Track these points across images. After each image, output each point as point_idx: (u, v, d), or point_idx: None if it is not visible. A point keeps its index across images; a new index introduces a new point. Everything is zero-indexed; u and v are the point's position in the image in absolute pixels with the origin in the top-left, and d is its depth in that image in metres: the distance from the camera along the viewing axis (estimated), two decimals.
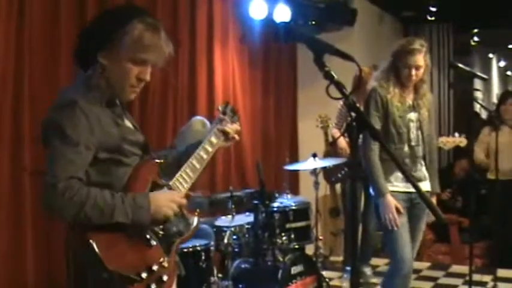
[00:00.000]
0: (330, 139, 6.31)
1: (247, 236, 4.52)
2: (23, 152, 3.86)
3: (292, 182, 6.88)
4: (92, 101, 2.23)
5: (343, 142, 5.97)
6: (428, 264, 6.79)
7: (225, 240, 4.32)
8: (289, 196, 5.21)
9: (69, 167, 2.12)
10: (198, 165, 2.56)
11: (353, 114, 1.95)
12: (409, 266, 3.83)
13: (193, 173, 2.53)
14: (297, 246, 4.78)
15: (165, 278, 2.24)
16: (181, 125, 4.76)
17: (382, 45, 7.71)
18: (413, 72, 3.81)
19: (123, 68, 2.28)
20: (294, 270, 4.31)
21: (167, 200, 2.30)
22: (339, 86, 1.96)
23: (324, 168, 6.32)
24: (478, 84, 10.28)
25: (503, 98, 6.51)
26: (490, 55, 14.55)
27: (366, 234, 6.00)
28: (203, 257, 3.88)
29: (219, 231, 4.42)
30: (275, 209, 4.69)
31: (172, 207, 2.31)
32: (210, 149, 2.64)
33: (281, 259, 4.29)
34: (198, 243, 3.86)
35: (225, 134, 2.73)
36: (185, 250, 3.73)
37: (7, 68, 3.78)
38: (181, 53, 5.36)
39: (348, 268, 5.58)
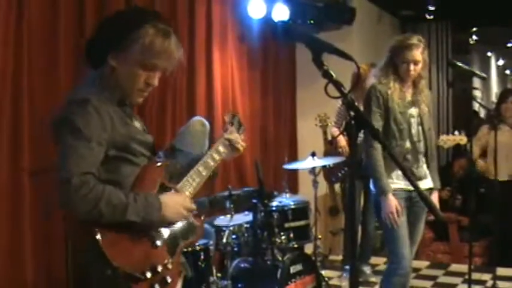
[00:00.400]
0: (329, 138, 6.32)
1: (246, 235, 4.53)
2: (21, 151, 3.85)
3: (291, 181, 6.87)
4: (103, 100, 2.24)
5: (342, 141, 5.98)
6: (427, 263, 6.79)
7: (224, 240, 4.32)
8: (288, 195, 5.21)
9: (82, 162, 2.12)
10: (204, 172, 2.59)
11: (352, 113, 1.95)
12: (408, 264, 3.83)
13: (199, 179, 2.56)
14: (296, 246, 4.78)
15: (169, 279, 2.25)
16: (180, 126, 4.75)
17: (381, 44, 7.67)
18: (412, 67, 3.80)
19: (132, 72, 2.29)
20: (293, 269, 4.31)
21: (178, 204, 2.33)
22: (338, 85, 1.96)
23: (324, 168, 6.33)
24: (476, 83, 10.30)
25: (503, 96, 6.49)
26: (489, 54, 14.56)
27: (365, 233, 6.00)
28: (202, 257, 3.88)
29: (218, 230, 4.42)
30: (274, 208, 4.69)
31: (183, 212, 2.34)
32: (217, 157, 2.67)
33: (280, 258, 4.29)
34: (197, 242, 3.86)
35: (231, 144, 2.75)
36: (184, 249, 3.72)
37: (6, 66, 3.77)
38: None
39: (347, 267, 5.58)
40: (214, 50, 5.87)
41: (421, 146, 3.91)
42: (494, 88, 14.94)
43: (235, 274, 4.29)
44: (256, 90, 6.71)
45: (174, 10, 5.30)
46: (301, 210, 4.87)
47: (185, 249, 3.65)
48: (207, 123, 4.18)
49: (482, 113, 10.48)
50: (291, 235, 4.69)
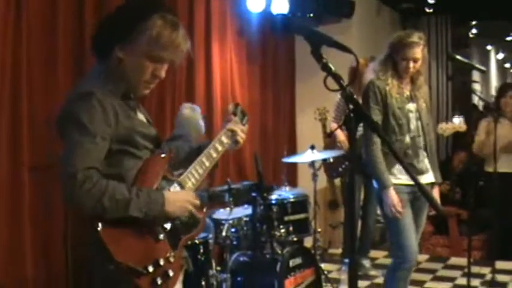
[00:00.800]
0: (329, 132, 6.32)
1: (245, 228, 4.53)
2: (21, 146, 3.85)
3: (290, 175, 6.87)
4: (107, 93, 2.23)
5: (341, 135, 5.97)
6: (427, 256, 6.80)
7: (224, 233, 4.32)
8: (287, 188, 5.22)
9: (87, 157, 2.11)
10: (207, 163, 2.57)
11: (351, 106, 1.94)
12: (414, 257, 3.81)
13: (203, 170, 2.54)
14: (295, 239, 4.78)
15: (171, 273, 2.23)
16: None
17: (380, 37, 7.69)
18: (411, 64, 3.80)
19: (139, 63, 2.28)
20: (293, 262, 4.31)
21: (182, 199, 2.32)
22: (337, 78, 1.96)
23: (324, 163, 6.33)
24: (476, 76, 10.31)
25: (502, 90, 6.47)
26: (488, 47, 14.56)
27: (364, 227, 6.01)
28: (202, 250, 3.88)
29: (218, 224, 4.42)
30: (273, 201, 4.70)
31: (187, 207, 2.32)
32: (220, 148, 2.64)
33: (279, 252, 4.29)
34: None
35: (233, 134, 2.73)
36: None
37: (5, 62, 3.76)
38: None
39: (347, 260, 5.58)
40: (214, 43, 5.86)
41: (421, 141, 3.90)
42: (494, 82, 14.95)
43: (235, 267, 4.29)
44: (256, 83, 6.70)
45: (174, 3, 5.28)
46: (300, 204, 4.87)
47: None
48: (195, 106, 4.19)
49: (481, 107, 10.48)
50: (291, 228, 4.70)
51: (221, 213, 4.61)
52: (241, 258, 4.38)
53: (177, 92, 5.34)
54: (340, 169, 6.26)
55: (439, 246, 7.13)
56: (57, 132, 2.25)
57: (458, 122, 5.01)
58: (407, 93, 3.90)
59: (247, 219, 4.54)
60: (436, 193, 4.00)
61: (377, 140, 3.76)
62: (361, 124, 1.98)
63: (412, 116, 3.88)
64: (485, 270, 5.82)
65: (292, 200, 4.82)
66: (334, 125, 6.09)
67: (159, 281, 2.18)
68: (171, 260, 2.26)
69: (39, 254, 3.99)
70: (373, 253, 6.34)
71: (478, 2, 8.69)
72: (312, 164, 5.23)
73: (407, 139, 3.85)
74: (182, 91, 5.43)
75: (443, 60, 9.75)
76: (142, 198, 2.16)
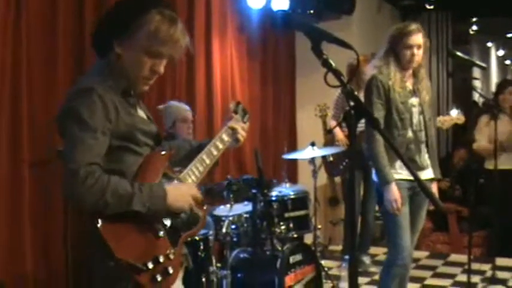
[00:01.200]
0: (329, 128, 6.32)
1: (245, 225, 4.52)
2: (21, 143, 3.85)
3: (291, 171, 6.87)
4: (107, 89, 2.22)
5: (340, 134, 5.97)
6: (427, 253, 6.80)
7: (224, 230, 4.32)
8: (287, 185, 5.21)
9: (88, 152, 2.10)
10: (208, 161, 2.56)
11: (351, 102, 1.94)
12: (407, 256, 3.82)
13: (203, 168, 2.54)
14: (295, 236, 4.78)
15: (170, 270, 2.22)
16: None
17: (381, 34, 7.64)
18: (415, 51, 3.78)
19: (138, 59, 2.27)
20: (293, 259, 4.31)
21: (184, 192, 2.31)
22: (337, 74, 1.95)
23: (325, 162, 6.33)
24: (476, 73, 10.29)
25: (501, 87, 6.47)
26: (489, 44, 14.55)
27: (365, 224, 6.01)
28: (202, 247, 3.88)
29: (218, 220, 4.42)
30: (274, 198, 4.69)
31: (190, 201, 2.31)
32: (220, 146, 2.64)
33: (280, 248, 4.29)
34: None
35: (234, 132, 2.72)
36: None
37: (5, 61, 3.76)
38: None
39: (347, 257, 5.58)
40: (214, 39, 5.86)
41: (423, 136, 3.89)
42: (494, 78, 14.93)
43: (235, 264, 4.29)
44: (256, 79, 6.70)
45: (174, 0, 5.27)
46: (300, 200, 4.86)
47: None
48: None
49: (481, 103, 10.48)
50: (291, 225, 4.69)
51: (221, 210, 4.60)
52: (242, 255, 4.38)
53: (177, 88, 5.33)
54: (341, 167, 6.25)
55: (439, 243, 7.14)
56: (57, 130, 2.23)
57: (455, 114, 4.98)
58: (410, 87, 3.89)
59: (247, 215, 4.54)
60: (434, 189, 4.00)
61: (379, 135, 3.75)
62: (363, 120, 1.98)
63: (415, 110, 3.87)
64: (486, 267, 5.82)
65: (292, 196, 4.81)
66: (333, 123, 6.09)
67: (159, 278, 2.17)
68: (171, 257, 2.25)
69: (39, 252, 3.99)
70: (373, 250, 6.35)
71: None
72: (312, 160, 5.23)
73: (410, 133, 3.84)
74: (182, 87, 5.42)
75: (443, 56, 9.74)
76: (145, 193, 2.15)
